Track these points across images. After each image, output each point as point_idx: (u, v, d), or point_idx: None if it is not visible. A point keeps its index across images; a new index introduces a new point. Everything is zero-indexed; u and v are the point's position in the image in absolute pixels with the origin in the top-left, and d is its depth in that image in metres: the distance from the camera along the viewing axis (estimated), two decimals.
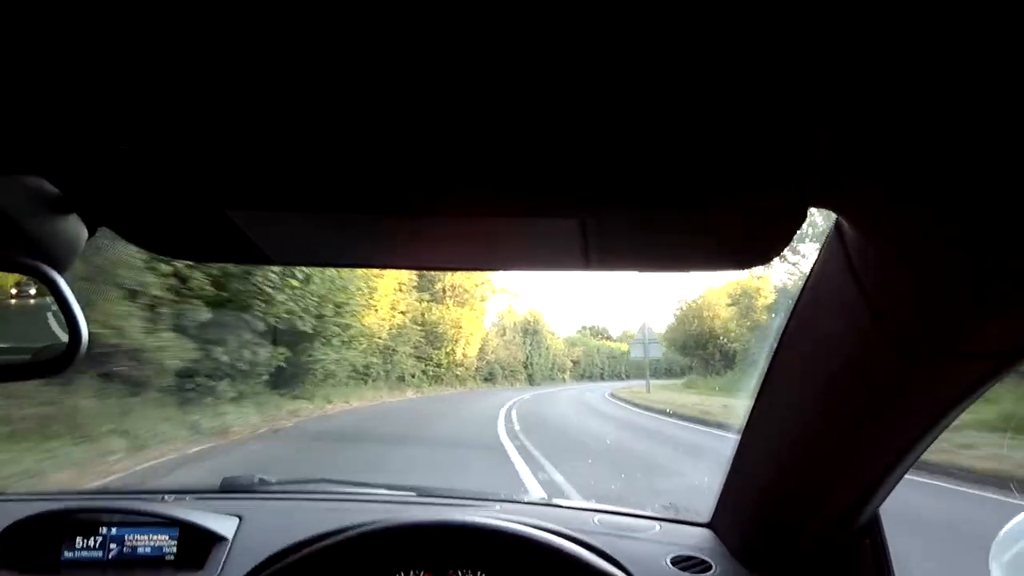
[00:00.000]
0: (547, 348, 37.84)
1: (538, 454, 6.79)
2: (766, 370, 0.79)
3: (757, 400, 0.84)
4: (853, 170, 0.45)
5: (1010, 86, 0.35)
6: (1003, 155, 0.39)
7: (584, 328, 53.80)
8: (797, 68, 0.36)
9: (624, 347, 56.14)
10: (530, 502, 1.44)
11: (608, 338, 55.11)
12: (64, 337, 0.56)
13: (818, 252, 0.63)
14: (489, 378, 29.12)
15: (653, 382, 37.44)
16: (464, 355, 26.04)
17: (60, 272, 0.55)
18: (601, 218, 0.52)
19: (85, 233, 0.56)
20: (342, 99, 0.40)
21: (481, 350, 28.60)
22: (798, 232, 0.52)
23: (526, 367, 33.91)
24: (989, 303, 0.49)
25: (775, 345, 0.76)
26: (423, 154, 0.45)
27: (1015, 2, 0.30)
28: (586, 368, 47.52)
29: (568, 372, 42.99)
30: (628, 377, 49.21)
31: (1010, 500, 4.08)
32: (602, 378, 46.86)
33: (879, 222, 0.50)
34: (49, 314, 0.57)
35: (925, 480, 4.43)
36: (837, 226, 0.56)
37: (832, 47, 0.34)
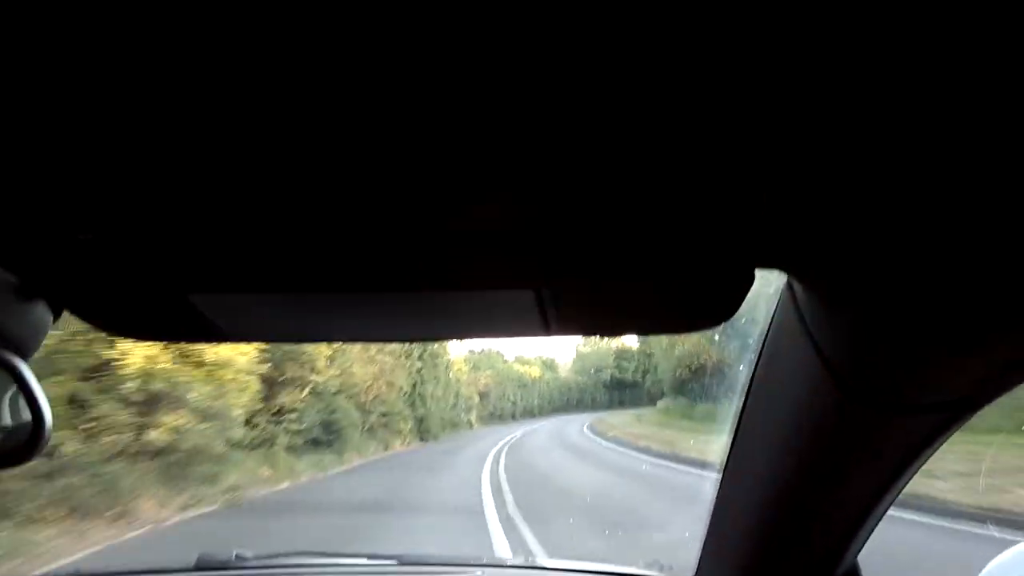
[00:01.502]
0: (446, 367, 21.12)
1: None
2: (734, 427, 0.80)
3: (729, 456, 0.84)
4: (795, 233, 0.48)
5: (951, 142, 0.36)
6: (946, 209, 0.40)
7: (473, 352, 37.57)
8: (735, 138, 0.38)
9: (536, 372, 41.43)
10: (513, 565, 1.48)
11: (506, 361, 39.87)
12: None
13: (772, 312, 0.65)
14: (323, 440, 11.61)
15: (594, 416, 22.52)
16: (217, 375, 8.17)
17: (24, 358, 0.54)
18: (556, 289, 0.54)
19: (50, 319, 0.57)
20: (296, 187, 0.43)
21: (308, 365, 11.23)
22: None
23: (413, 405, 16.87)
24: (941, 355, 0.50)
25: (740, 402, 0.77)
26: (377, 234, 0.48)
27: (944, 58, 0.31)
28: (496, 403, 31.87)
29: (474, 411, 26.63)
30: (541, 414, 35.11)
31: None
32: (513, 417, 32.09)
33: (826, 279, 0.52)
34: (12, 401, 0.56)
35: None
36: (788, 285, 0.58)
37: (768, 118, 0.36)
